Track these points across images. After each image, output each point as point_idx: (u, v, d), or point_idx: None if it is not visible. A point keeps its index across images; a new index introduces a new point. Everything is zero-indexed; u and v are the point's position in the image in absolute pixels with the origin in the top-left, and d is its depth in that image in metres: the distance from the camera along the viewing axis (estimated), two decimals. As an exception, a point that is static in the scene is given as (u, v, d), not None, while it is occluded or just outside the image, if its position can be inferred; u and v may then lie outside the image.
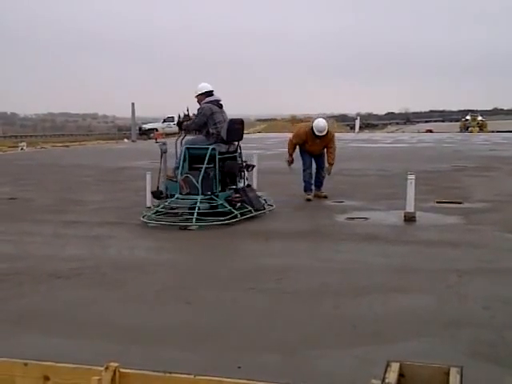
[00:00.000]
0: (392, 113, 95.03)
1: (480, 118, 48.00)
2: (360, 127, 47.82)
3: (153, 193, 8.71)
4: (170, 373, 2.31)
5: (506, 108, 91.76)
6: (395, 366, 2.36)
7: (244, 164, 8.93)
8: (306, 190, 10.26)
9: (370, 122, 66.72)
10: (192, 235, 7.45)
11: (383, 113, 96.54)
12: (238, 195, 8.38)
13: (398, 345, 3.81)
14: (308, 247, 6.76)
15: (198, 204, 7.98)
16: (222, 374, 2.39)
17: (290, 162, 10.46)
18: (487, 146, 25.20)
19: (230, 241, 7.09)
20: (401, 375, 2.35)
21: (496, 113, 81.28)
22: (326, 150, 10.24)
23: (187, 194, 8.22)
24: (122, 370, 2.32)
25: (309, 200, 10.05)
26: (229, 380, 2.25)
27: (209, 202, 8.18)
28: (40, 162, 19.52)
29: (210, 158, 8.26)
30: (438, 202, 9.63)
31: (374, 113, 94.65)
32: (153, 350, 3.73)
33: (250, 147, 23.47)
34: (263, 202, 8.85)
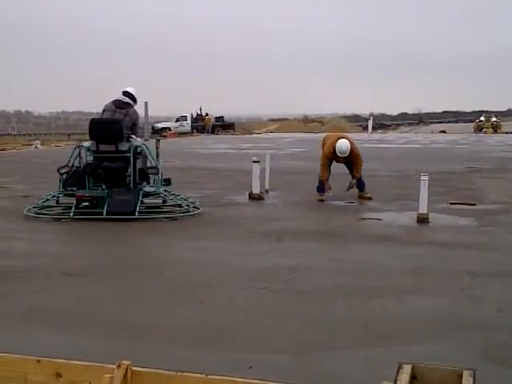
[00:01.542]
0: (405, 113, 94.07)
1: (494, 118, 47.53)
2: (373, 127, 47.63)
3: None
4: (182, 372, 2.31)
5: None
6: (407, 368, 2.34)
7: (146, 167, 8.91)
8: (318, 191, 10.24)
9: (382, 123, 66.17)
10: (205, 234, 7.45)
11: (396, 113, 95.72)
12: (84, 194, 8.53)
13: (411, 346, 3.80)
14: (320, 247, 6.75)
15: (49, 197, 8.86)
16: (233, 374, 2.39)
17: (329, 188, 10.13)
18: (501, 147, 25.04)
19: (242, 240, 7.08)
20: (413, 377, 2.33)
21: (511, 114, 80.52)
22: (352, 163, 10.22)
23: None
24: (133, 368, 2.32)
25: (321, 200, 10.04)
26: (241, 380, 2.24)
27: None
28: (54, 159, 19.59)
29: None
30: (451, 204, 9.58)
31: (387, 113, 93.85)
32: (164, 349, 3.74)
33: (262, 147, 23.62)
34: (134, 207, 8.27)
